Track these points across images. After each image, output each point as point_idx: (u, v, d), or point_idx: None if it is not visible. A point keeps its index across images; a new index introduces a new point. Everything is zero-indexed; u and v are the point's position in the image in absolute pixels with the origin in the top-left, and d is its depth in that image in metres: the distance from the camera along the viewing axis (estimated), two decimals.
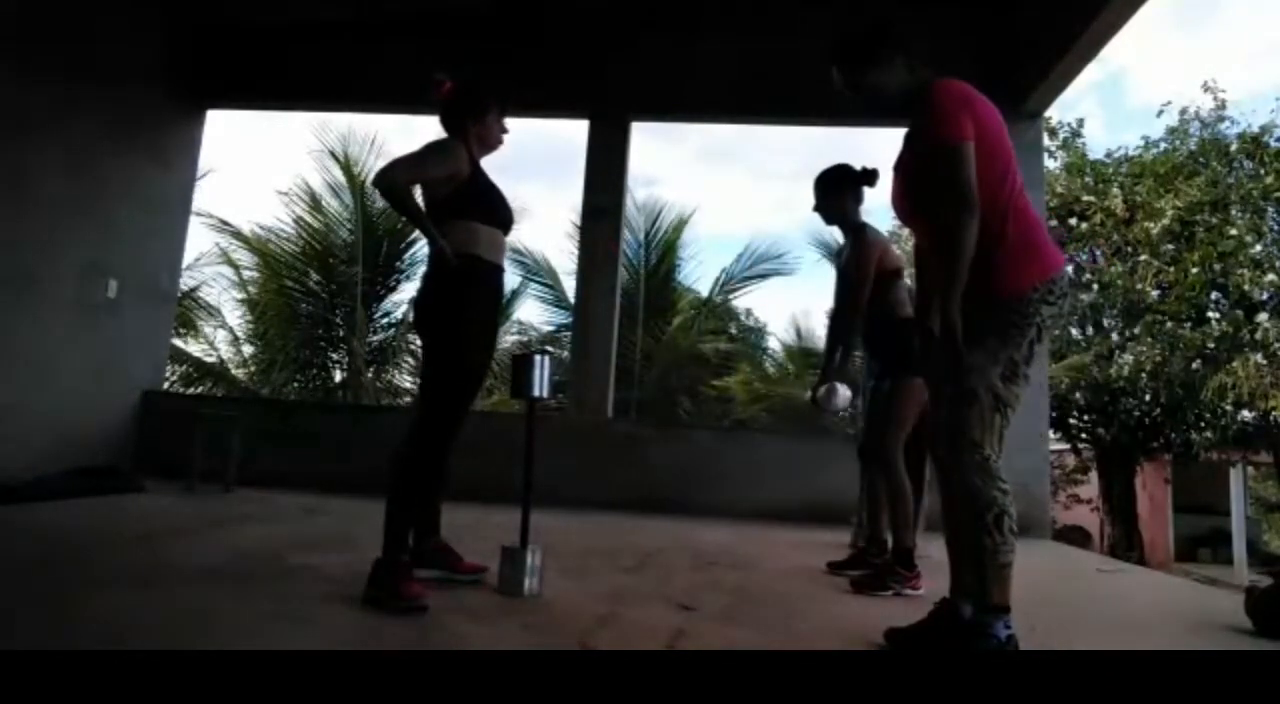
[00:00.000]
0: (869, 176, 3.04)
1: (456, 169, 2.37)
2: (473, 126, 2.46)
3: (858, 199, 3.08)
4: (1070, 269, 9.67)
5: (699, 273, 15.51)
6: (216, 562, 2.68)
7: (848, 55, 2.07)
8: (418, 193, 2.43)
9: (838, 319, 3.14)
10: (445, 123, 2.50)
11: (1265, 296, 9.55)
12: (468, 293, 2.35)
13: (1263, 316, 9.21)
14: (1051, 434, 8.18)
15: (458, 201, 2.37)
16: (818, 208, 3.11)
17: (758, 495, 5.08)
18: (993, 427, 1.84)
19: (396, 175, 2.31)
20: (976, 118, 1.88)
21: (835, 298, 3.17)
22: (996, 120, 1.95)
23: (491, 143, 2.52)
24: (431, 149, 2.38)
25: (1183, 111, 10.75)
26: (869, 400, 3.12)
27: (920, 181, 1.98)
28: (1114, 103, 34.95)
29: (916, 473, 3.05)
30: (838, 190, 3.06)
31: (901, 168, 2.09)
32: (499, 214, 2.47)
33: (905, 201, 2.07)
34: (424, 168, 2.35)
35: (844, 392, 3.03)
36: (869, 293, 2.97)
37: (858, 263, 2.97)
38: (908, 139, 2.08)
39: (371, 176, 2.58)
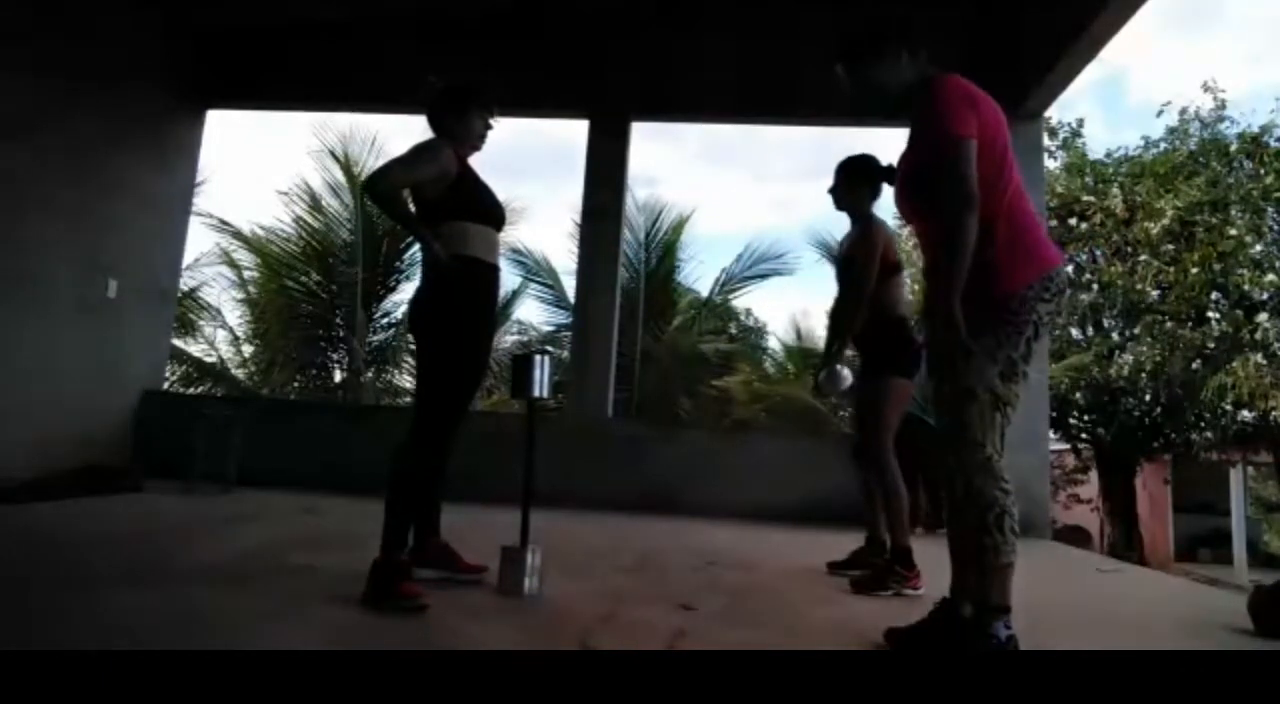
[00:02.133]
0: (890, 174, 3.03)
1: (445, 169, 2.36)
2: (455, 125, 2.46)
3: (875, 194, 3.12)
4: (1070, 269, 9.68)
5: (699, 273, 15.52)
6: (216, 562, 2.68)
7: (854, 52, 2.06)
8: (407, 195, 2.43)
9: (841, 307, 3.14)
10: (432, 122, 2.51)
11: (1265, 297, 9.55)
12: (463, 293, 2.35)
13: (1263, 316, 9.21)
14: (1051, 434, 8.18)
15: (448, 202, 2.37)
16: (834, 191, 3.15)
17: (758, 495, 5.08)
18: (993, 425, 1.84)
19: (387, 180, 2.31)
20: (980, 115, 1.88)
21: (839, 285, 3.17)
22: (998, 118, 1.95)
23: (473, 141, 2.51)
24: (419, 151, 2.37)
25: (1183, 111, 10.77)
26: (856, 399, 3.16)
27: (921, 176, 1.98)
28: (1114, 103, 34.94)
29: (909, 471, 3.06)
30: (859, 181, 3.10)
31: (904, 164, 2.09)
32: (490, 212, 2.47)
33: (908, 199, 2.07)
34: (413, 170, 2.35)
35: (845, 373, 3.05)
36: (872, 284, 2.98)
37: (865, 250, 2.98)
38: (911, 137, 2.07)
39: (364, 181, 2.57)
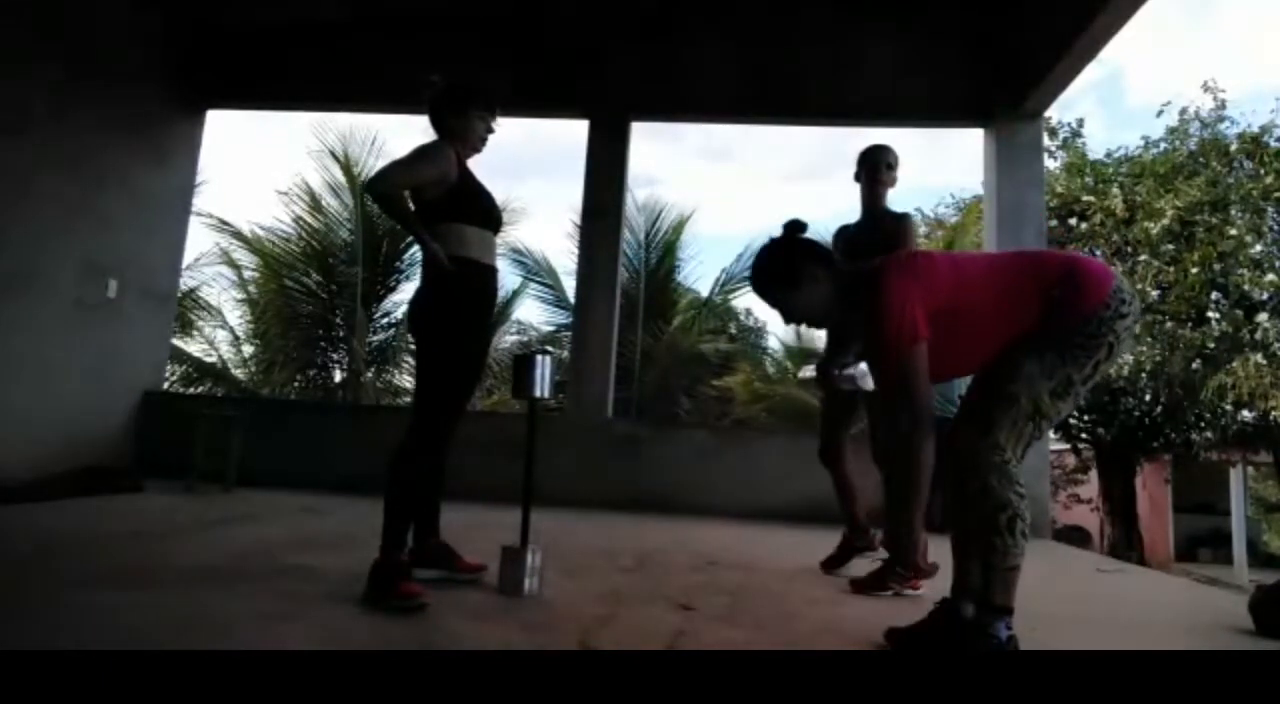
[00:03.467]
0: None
1: (445, 172, 2.37)
2: (456, 126, 2.47)
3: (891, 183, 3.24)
4: None
5: (699, 273, 15.54)
6: (216, 562, 2.68)
7: (771, 285, 2.05)
8: (406, 196, 2.43)
9: None
10: (434, 122, 2.51)
11: (1265, 297, 9.54)
12: (461, 295, 2.36)
13: (1263, 316, 9.20)
14: (1051, 434, 8.18)
15: (447, 204, 2.37)
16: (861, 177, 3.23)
17: (758, 495, 5.08)
18: (1022, 434, 1.83)
19: (388, 181, 2.32)
20: (930, 285, 1.88)
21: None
22: (945, 262, 1.97)
23: (474, 142, 2.52)
24: (421, 152, 2.38)
25: (1183, 111, 10.74)
26: (832, 399, 3.16)
27: (877, 369, 2.04)
28: (1114, 103, 34.98)
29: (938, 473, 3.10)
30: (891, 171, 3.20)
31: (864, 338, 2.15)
32: (488, 215, 2.48)
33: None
34: (415, 172, 2.35)
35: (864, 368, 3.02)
36: None
37: (904, 242, 3.01)
38: (855, 323, 2.09)
39: (365, 182, 2.58)
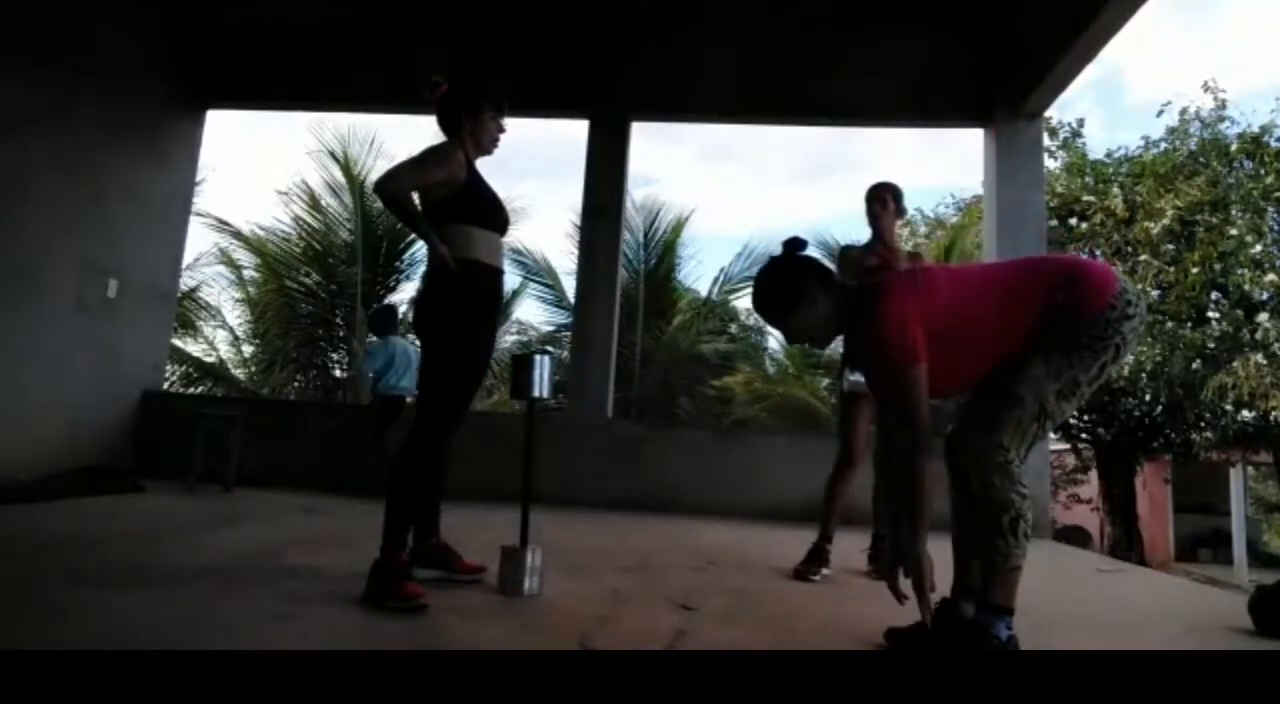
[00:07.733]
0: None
1: (454, 173, 2.37)
2: (469, 125, 2.46)
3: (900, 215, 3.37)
4: None
5: (699, 273, 15.53)
6: (216, 562, 2.68)
7: (771, 306, 2.02)
8: (415, 197, 2.43)
9: None
10: (442, 123, 2.51)
11: (1265, 296, 9.53)
12: (467, 296, 2.36)
13: (1263, 316, 9.20)
14: (1052, 434, 8.16)
15: (455, 206, 2.37)
16: (870, 211, 3.31)
17: (758, 495, 5.08)
18: (1026, 434, 1.82)
19: (398, 183, 2.31)
20: (929, 303, 1.87)
21: None
22: (945, 278, 1.97)
23: (487, 143, 2.52)
24: (430, 153, 2.39)
25: (1183, 111, 10.73)
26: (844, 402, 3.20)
27: (880, 393, 2.05)
28: (1113, 102, 35.00)
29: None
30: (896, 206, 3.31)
31: (864, 362, 2.19)
32: (496, 217, 2.48)
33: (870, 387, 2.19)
34: (424, 173, 2.35)
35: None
36: None
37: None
38: (857, 342, 2.11)
39: (371, 180, 2.59)
